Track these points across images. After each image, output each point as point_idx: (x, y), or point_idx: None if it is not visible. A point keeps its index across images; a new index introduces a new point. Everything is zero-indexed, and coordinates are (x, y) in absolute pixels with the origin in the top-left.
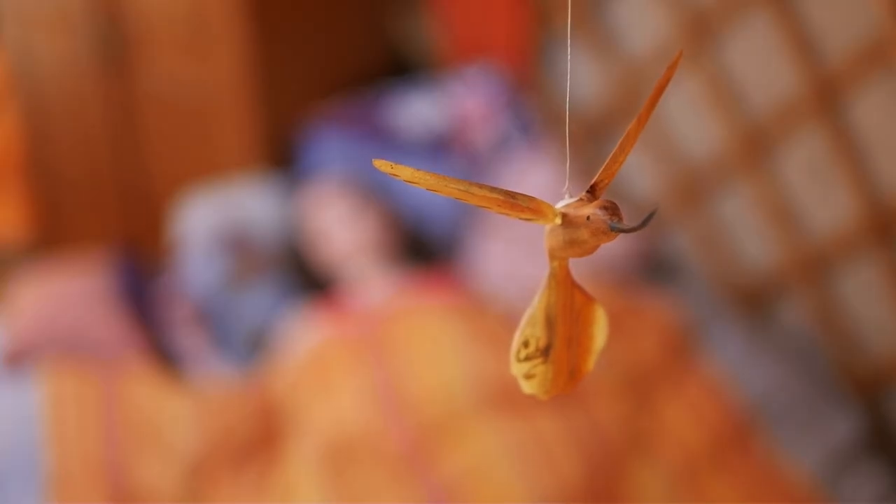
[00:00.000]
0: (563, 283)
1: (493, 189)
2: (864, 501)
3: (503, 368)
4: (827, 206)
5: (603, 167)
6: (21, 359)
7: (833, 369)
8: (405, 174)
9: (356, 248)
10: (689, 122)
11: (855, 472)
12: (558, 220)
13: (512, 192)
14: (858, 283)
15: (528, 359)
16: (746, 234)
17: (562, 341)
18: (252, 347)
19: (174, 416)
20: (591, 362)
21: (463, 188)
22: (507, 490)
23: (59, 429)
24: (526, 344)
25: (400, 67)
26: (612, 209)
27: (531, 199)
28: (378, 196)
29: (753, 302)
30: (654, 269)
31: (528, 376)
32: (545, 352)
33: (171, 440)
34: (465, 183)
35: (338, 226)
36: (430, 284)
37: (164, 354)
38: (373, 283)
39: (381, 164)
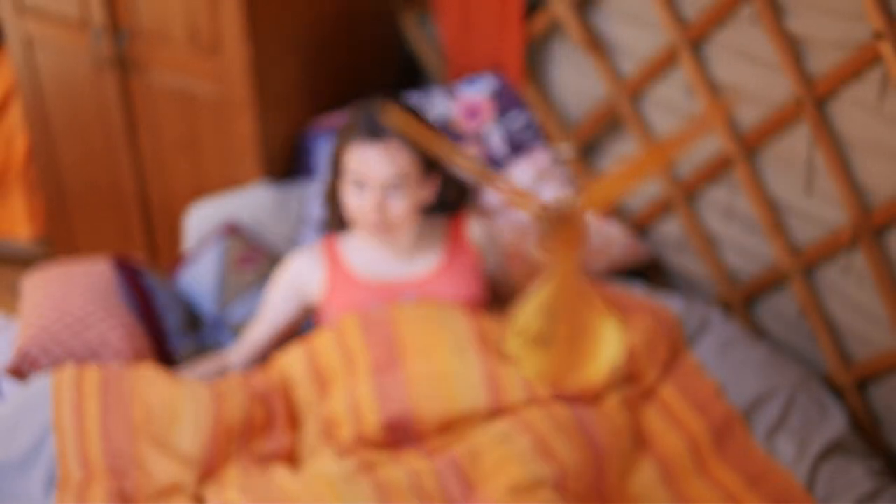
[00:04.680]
0: (565, 281)
1: (473, 160)
2: (852, 501)
3: (502, 371)
4: (812, 209)
5: (598, 178)
6: (28, 358)
7: (820, 370)
8: (396, 120)
9: (373, 222)
10: (677, 128)
11: (844, 471)
12: (538, 212)
13: (490, 169)
14: (844, 285)
15: (520, 338)
16: (735, 237)
17: (564, 337)
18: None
19: (177, 405)
20: (596, 372)
21: (446, 148)
22: (506, 468)
23: (62, 420)
24: (520, 324)
25: (404, 76)
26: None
27: (509, 181)
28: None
29: (742, 304)
30: (650, 271)
31: (521, 356)
32: (540, 339)
33: (174, 428)
34: (450, 147)
35: (368, 191)
36: (442, 273)
37: (166, 356)
38: (379, 251)
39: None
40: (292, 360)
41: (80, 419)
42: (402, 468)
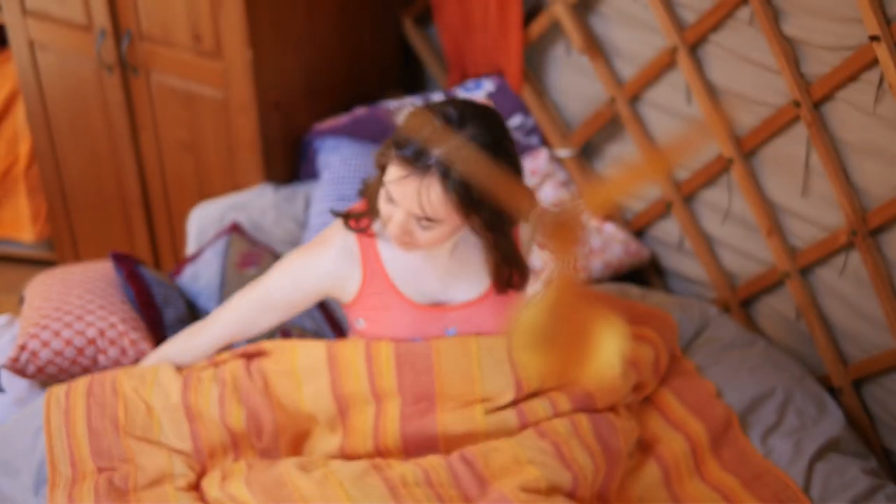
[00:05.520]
0: (564, 284)
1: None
2: (847, 501)
3: (537, 407)
4: (808, 211)
5: (598, 182)
6: (27, 351)
7: (817, 370)
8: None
9: (395, 238)
10: (675, 131)
11: (840, 471)
12: (538, 214)
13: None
14: (840, 286)
15: (522, 339)
16: (732, 239)
17: (564, 338)
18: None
19: (156, 415)
20: (597, 371)
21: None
22: (523, 467)
23: (52, 423)
24: (522, 325)
25: (405, 80)
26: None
27: (518, 183)
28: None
29: (739, 305)
30: (648, 272)
31: (523, 356)
32: (542, 340)
33: (157, 430)
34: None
35: (399, 210)
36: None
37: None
38: (420, 264)
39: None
40: (313, 374)
41: (69, 422)
42: (413, 464)
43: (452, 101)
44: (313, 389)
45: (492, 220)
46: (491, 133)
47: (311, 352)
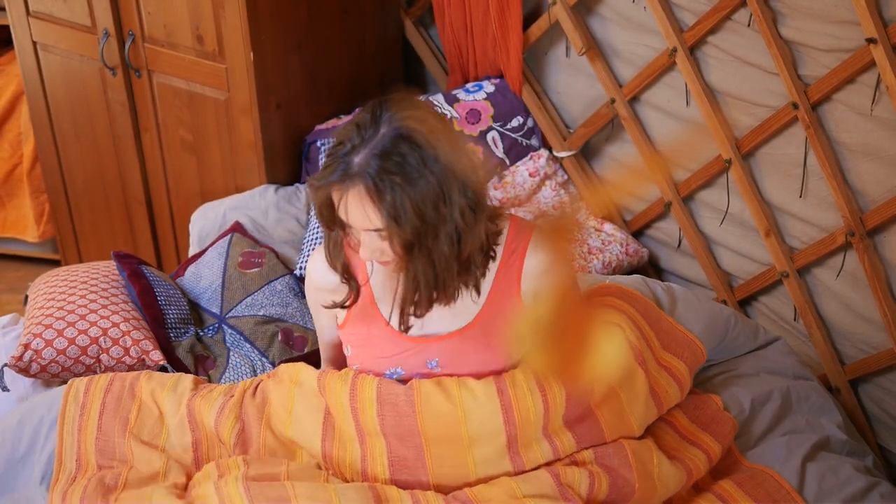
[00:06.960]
0: (565, 287)
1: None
2: (842, 500)
3: (533, 451)
4: (806, 211)
5: (598, 183)
6: (30, 349)
7: (814, 370)
8: None
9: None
10: (673, 133)
11: (835, 471)
12: (537, 217)
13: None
14: (838, 286)
15: (528, 340)
16: (730, 239)
17: (566, 338)
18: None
19: (163, 417)
20: (597, 368)
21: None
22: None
23: (67, 418)
24: (527, 327)
25: (406, 82)
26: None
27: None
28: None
29: (737, 305)
30: (646, 272)
31: (529, 356)
32: (546, 340)
33: (161, 431)
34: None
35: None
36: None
37: (167, 347)
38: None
39: None
40: (305, 397)
41: (82, 418)
42: (409, 494)
43: (371, 106)
44: (302, 407)
45: (423, 229)
46: (414, 121)
47: (307, 376)
